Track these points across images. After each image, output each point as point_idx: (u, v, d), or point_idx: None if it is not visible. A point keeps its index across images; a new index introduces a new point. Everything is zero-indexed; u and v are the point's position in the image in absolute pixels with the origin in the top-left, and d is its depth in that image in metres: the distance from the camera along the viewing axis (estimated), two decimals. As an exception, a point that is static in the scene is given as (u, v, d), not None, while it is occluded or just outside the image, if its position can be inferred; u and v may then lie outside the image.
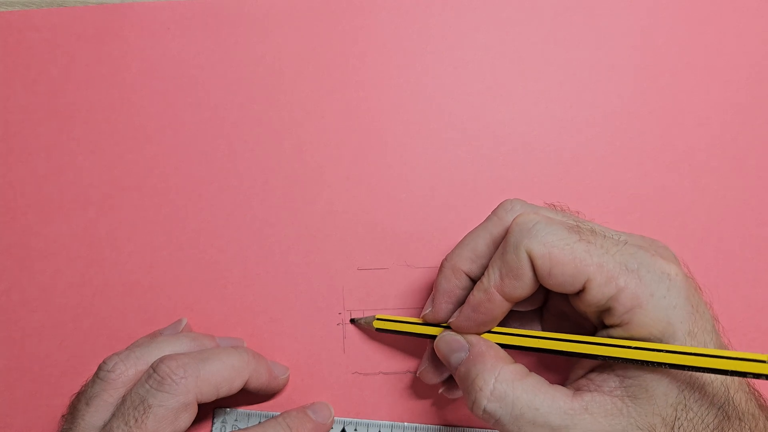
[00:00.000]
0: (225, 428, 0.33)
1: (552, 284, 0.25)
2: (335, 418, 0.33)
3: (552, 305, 0.30)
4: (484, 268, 0.28)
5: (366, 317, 0.33)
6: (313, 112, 0.36)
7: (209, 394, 0.29)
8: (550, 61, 0.36)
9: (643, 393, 0.24)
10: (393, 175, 0.36)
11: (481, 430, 0.33)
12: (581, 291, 0.24)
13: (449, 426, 0.33)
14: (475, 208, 0.35)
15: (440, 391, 0.31)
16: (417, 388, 0.34)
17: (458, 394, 0.32)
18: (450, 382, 0.31)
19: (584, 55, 0.36)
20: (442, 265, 0.29)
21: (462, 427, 0.33)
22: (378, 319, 0.32)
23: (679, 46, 0.36)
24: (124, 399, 0.28)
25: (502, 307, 0.26)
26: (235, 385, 0.30)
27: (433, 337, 0.30)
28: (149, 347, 0.30)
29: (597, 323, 0.26)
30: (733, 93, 0.36)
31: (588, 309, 0.25)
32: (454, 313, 0.28)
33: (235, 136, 0.36)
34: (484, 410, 0.24)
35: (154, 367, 0.28)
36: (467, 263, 0.28)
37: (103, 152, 0.36)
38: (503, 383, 0.24)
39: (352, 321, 0.34)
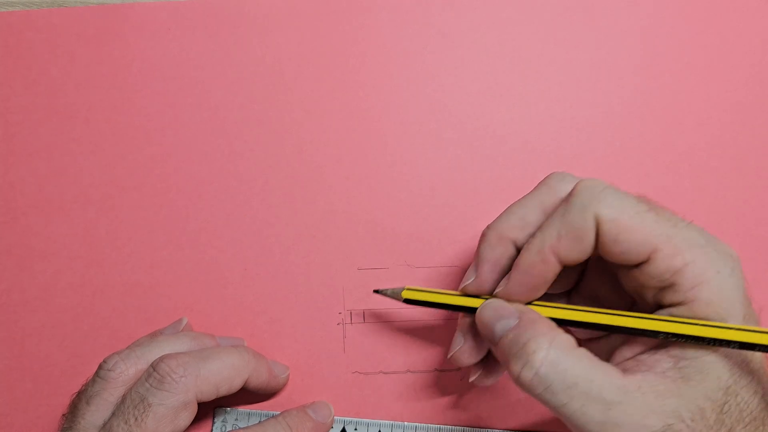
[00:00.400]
0: (225, 427, 0.33)
1: (615, 252, 0.24)
2: (335, 417, 0.33)
3: (585, 287, 0.29)
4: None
5: (393, 288, 0.31)
6: (313, 112, 0.36)
7: (209, 393, 0.29)
8: (550, 61, 0.36)
9: (697, 375, 0.23)
10: (393, 175, 0.36)
11: (482, 429, 0.33)
12: (644, 263, 0.24)
13: (449, 425, 0.33)
14: (475, 208, 0.35)
15: (472, 378, 0.30)
16: (417, 387, 0.34)
17: (491, 380, 0.30)
18: (486, 365, 0.30)
19: (584, 55, 0.36)
20: (484, 234, 0.28)
21: (462, 426, 0.33)
22: (408, 289, 0.30)
23: (679, 46, 0.36)
24: (124, 398, 0.28)
25: (554, 270, 0.25)
26: (235, 384, 0.30)
27: (470, 309, 0.28)
28: (149, 346, 0.30)
29: (652, 302, 0.25)
30: (733, 93, 0.36)
31: (648, 283, 0.24)
32: (501, 282, 0.27)
33: (235, 136, 0.36)
34: (537, 374, 0.23)
35: (154, 366, 0.28)
36: (515, 231, 0.27)
37: (104, 152, 0.36)
38: (558, 350, 0.23)
39: (376, 291, 0.32)
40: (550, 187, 0.27)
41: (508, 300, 0.27)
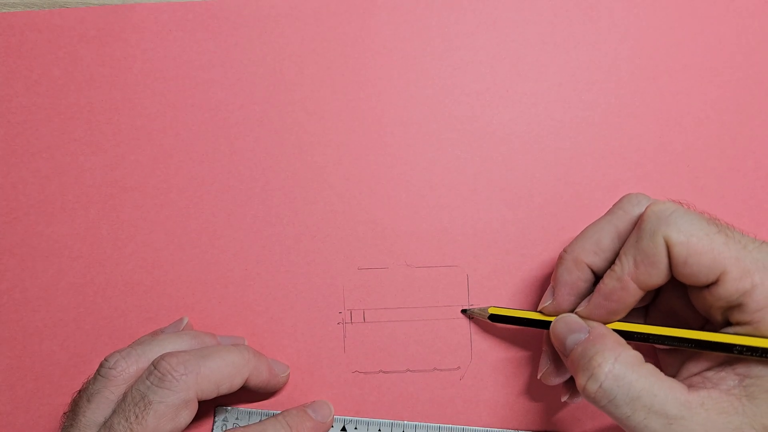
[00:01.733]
0: (226, 426, 0.33)
1: (685, 273, 0.25)
2: (335, 416, 0.33)
3: (662, 301, 0.30)
4: (607, 261, 0.28)
5: (480, 307, 0.33)
6: (313, 112, 0.36)
7: (210, 391, 0.29)
8: (549, 62, 0.37)
9: (763, 394, 0.23)
10: (393, 175, 0.36)
11: (481, 429, 0.33)
12: (713, 284, 0.24)
13: (449, 425, 0.33)
14: (476, 208, 0.35)
15: (564, 398, 0.31)
16: (417, 386, 0.34)
17: (580, 398, 0.31)
18: (573, 386, 0.31)
19: (583, 55, 0.37)
20: (561, 257, 0.29)
21: (462, 426, 0.33)
22: (494, 308, 0.32)
23: (678, 46, 0.36)
24: (125, 396, 0.28)
25: (635, 296, 0.26)
26: (236, 383, 0.30)
27: (548, 325, 0.30)
28: (150, 345, 0.30)
29: (720, 320, 0.26)
30: (732, 93, 0.36)
31: (716, 303, 0.25)
32: (582, 302, 0.28)
33: (236, 136, 0.36)
34: (601, 386, 0.24)
35: (155, 364, 0.28)
36: (590, 255, 0.28)
37: (105, 153, 0.36)
38: (623, 365, 0.24)
39: (464, 311, 0.34)
40: (624, 210, 0.28)
41: (586, 319, 0.28)
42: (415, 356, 0.34)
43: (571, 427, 0.33)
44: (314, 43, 0.37)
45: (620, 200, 0.28)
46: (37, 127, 0.36)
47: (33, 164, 0.36)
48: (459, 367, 0.34)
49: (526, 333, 0.34)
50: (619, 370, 0.24)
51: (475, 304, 0.34)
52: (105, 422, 0.27)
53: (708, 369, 0.26)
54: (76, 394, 0.30)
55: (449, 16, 0.37)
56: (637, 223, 0.26)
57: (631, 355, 0.25)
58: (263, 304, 0.35)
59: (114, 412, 0.28)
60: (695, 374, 0.26)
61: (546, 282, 0.34)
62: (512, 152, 0.36)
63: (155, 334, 0.32)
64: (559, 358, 0.30)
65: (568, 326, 0.28)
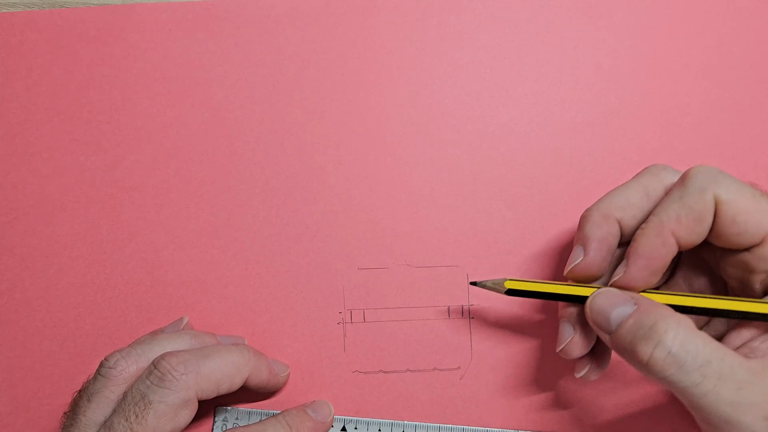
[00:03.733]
0: (226, 426, 0.33)
1: (731, 233, 0.25)
2: (335, 416, 0.33)
3: (676, 283, 0.29)
4: (636, 219, 0.27)
5: (493, 280, 0.30)
6: (313, 112, 0.36)
7: (209, 391, 0.29)
8: (549, 62, 0.37)
9: None
10: (393, 175, 0.36)
11: (481, 429, 0.33)
12: (756, 246, 0.25)
13: (449, 425, 0.33)
14: (475, 208, 0.35)
15: (580, 374, 0.29)
16: (417, 386, 0.34)
17: (597, 374, 0.29)
18: (595, 358, 0.29)
19: (583, 55, 0.37)
20: (587, 216, 0.28)
21: (462, 426, 0.33)
22: (511, 280, 0.29)
23: (678, 46, 0.36)
24: (125, 395, 0.28)
25: (673, 254, 0.26)
26: (236, 382, 0.30)
27: (576, 298, 0.28)
28: (150, 344, 0.30)
29: (759, 290, 0.26)
30: (732, 93, 0.36)
31: (759, 265, 0.25)
32: (617, 270, 0.27)
33: (236, 136, 0.36)
34: (669, 353, 0.23)
35: (155, 364, 0.28)
36: (620, 211, 0.27)
37: (105, 153, 0.36)
38: (687, 330, 0.23)
39: (473, 283, 0.31)
40: (653, 174, 0.28)
41: (624, 289, 0.27)
42: (415, 356, 0.34)
43: (571, 427, 0.33)
44: (314, 43, 0.37)
45: (647, 168, 0.28)
46: (37, 127, 0.36)
47: (33, 164, 0.36)
48: (459, 367, 0.34)
49: (526, 332, 0.34)
50: (684, 335, 0.23)
51: (476, 304, 0.34)
52: (105, 422, 0.27)
53: (752, 339, 0.25)
54: (76, 393, 0.30)
55: (449, 16, 0.37)
56: (680, 181, 0.26)
57: (690, 322, 0.24)
58: (263, 304, 0.35)
59: (114, 411, 0.28)
60: (739, 346, 0.26)
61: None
62: (512, 152, 0.36)
63: (155, 333, 0.32)
64: (584, 326, 0.28)
65: (611, 300, 0.26)
